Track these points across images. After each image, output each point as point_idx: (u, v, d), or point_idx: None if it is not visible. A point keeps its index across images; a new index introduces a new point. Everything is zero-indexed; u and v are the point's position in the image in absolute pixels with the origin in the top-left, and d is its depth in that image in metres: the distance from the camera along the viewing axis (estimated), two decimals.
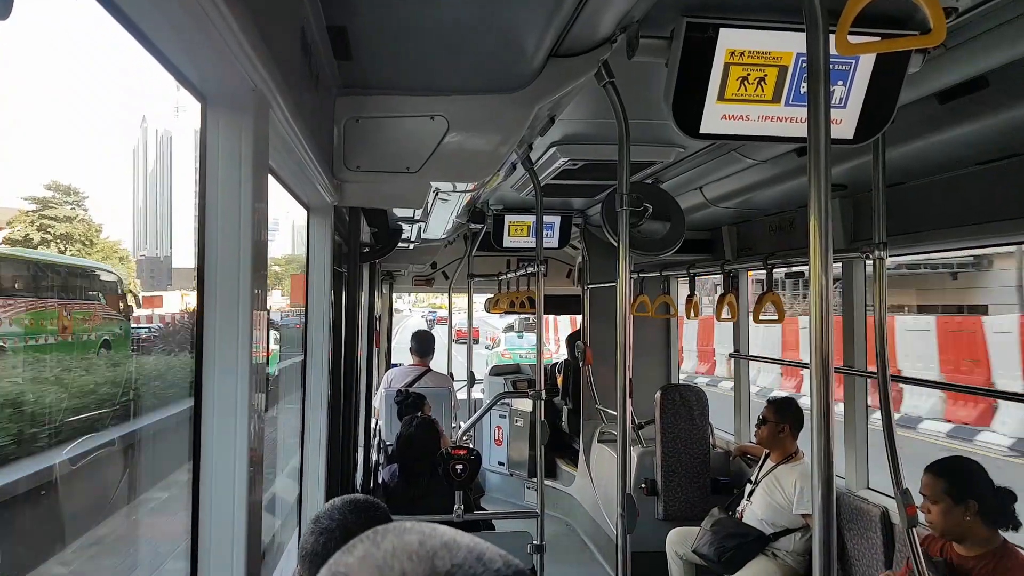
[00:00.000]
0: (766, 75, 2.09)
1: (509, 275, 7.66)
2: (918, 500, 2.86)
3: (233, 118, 1.23)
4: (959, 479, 2.81)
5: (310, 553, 1.66)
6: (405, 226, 4.16)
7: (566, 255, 7.42)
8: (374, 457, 5.56)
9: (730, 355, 5.64)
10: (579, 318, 7.23)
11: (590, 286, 6.72)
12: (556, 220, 6.00)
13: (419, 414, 4.34)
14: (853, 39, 1.38)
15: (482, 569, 0.53)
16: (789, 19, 1.97)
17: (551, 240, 6.05)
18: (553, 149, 3.64)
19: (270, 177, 1.94)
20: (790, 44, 2.03)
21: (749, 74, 2.08)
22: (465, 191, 2.90)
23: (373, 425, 6.18)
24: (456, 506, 3.66)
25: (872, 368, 3.99)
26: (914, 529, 2.77)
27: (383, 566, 0.53)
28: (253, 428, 1.27)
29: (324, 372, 2.66)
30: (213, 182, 1.23)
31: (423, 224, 4.25)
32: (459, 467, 3.55)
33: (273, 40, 1.32)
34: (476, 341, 33.14)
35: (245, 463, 1.25)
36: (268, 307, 1.40)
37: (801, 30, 1.48)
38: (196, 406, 1.25)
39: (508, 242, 5.92)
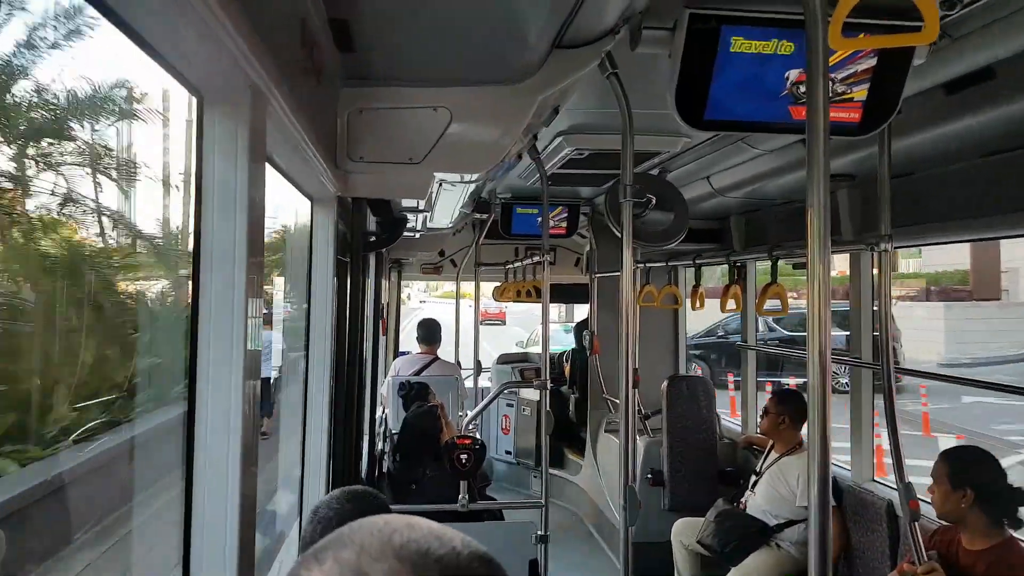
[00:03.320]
0: (770, 65, 2.08)
1: (516, 264, 7.66)
2: (921, 494, 2.87)
3: (230, 113, 1.24)
4: (960, 466, 2.83)
5: (309, 543, 1.69)
6: (410, 216, 4.17)
7: (574, 243, 7.42)
8: (380, 446, 5.59)
9: (737, 345, 5.63)
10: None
11: (598, 275, 6.72)
12: (564, 209, 6.00)
13: (425, 403, 4.35)
14: (850, 32, 1.38)
15: (438, 545, 0.56)
16: (790, 9, 1.96)
17: (559, 229, 6.05)
18: (559, 139, 3.63)
19: (271, 168, 1.95)
20: (792, 35, 2.02)
21: (753, 65, 2.08)
22: (469, 181, 2.90)
23: (379, 414, 6.21)
24: (460, 495, 3.68)
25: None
26: (916, 523, 2.78)
27: (345, 539, 0.57)
28: (248, 416, 1.28)
29: (326, 361, 2.68)
30: (209, 175, 1.24)
31: (428, 214, 4.25)
32: (463, 457, 3.57)
33: (271, 35, 1.32)
34: (503, 323, 32.48)
35: (239, 452, 1.26)
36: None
37: (802, 22, 1.47)
38: (190, 396, 1.27)
39: (516, 230, 5.93)
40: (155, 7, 0.94)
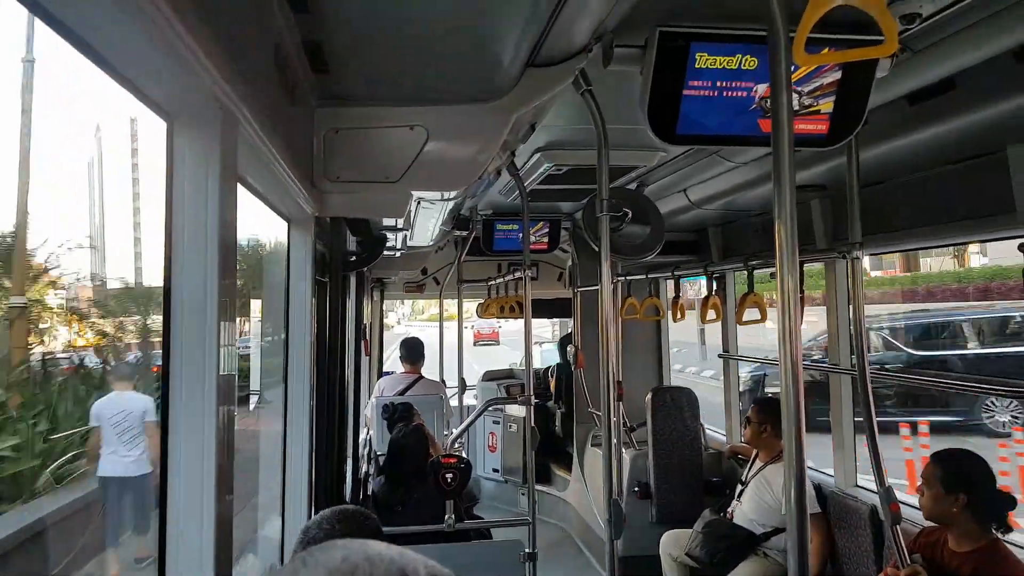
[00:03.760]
0: (737, 80, 2.12)
1: (499, 280, 7.68)
2: (901, 497, 2.90)
3: (200, 136, 1.24)
4: (955, 470, 2.85)
5: None
6: (390, 234, 4.17)
7: (557, 259, 7.45)
8: (364, 468, 5.54)
9: (719, 355, 5.66)
10: None
11: (580, 289, 6.75)
12: (545, 224, 6.03)
13: (408, 423, 4.33)
14: (814, 46, 1.41)
15: None
16: (757, 27, 2.00)
17: (540, 244, 6.08)
18: (537, 155, 3.67)
19: (246, 190, 1.96)
20: (758, 50, 2.06)
21: (721, 80, 2.12)
22: (447, 199, 2.91)
23: (363, 435, 6.16)
24: (447, 515, 3.65)
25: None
26: (898, 526, 2.80)
27: None
28: (222, 441, 1.27)
29: (306, 383, 2.66)
30: (179, 197, 1.24)
31: (408, 232, 4.26)
32: (449, 476, 3.54)
33: (243, 57, 1.33)
34: (497, 343, 32.02)
35: (213, 479, 1.25)
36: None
37: (765, 39, 1.50)
38: (163, 421, 1.26)
39: (498, 247, 5.95)
40: (120, 28, 0.94)
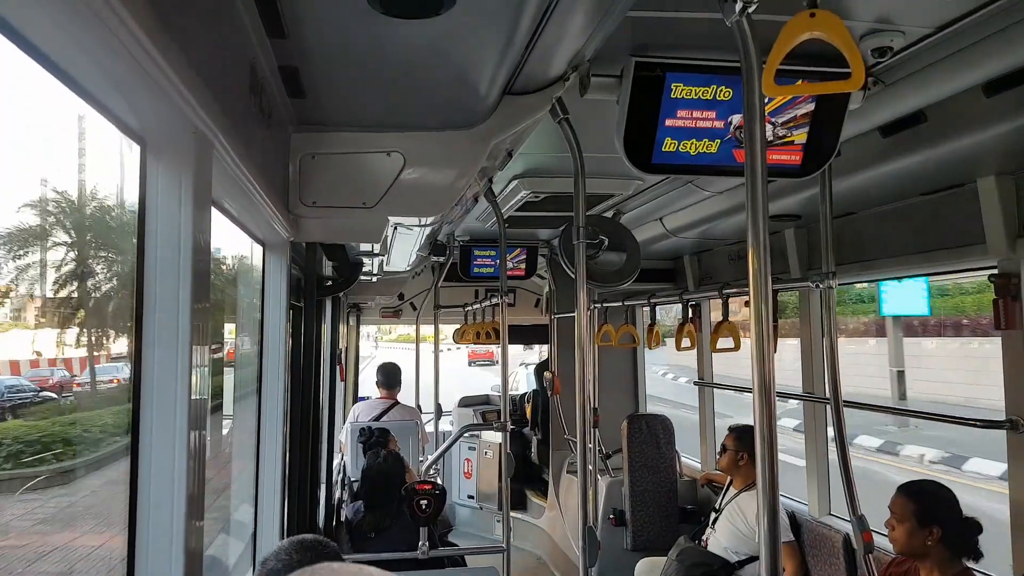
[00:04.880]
0: (712, 111, 2.15)
1: (475, 306, 7.68)
2: (874, 526, 2.90)
3: (174, 161, 1.23)
4: (928, 503, 2.83)
5: None
6: (366, 259, 4.16)
7: (534, 285, 7.46)
8: (337, 494, 5.47)
9: (694, 383, 5.68)
10: None
11: (557, 316, 6.76)
12: (523, 251, 6.04)
13: (383, 450, 4.30)
14: (788, 78, 1.44)
15: None
16: (731, 58, 2.03)
17: (518, 271, 6.09)
18: (515, 182, 3.68)
19: (222, 214, 1.94)
20: (732, 81, 2.09)
21: (696, 110, 2.15)
22: (424, 225, 2.91)
23: (337, 461, 6.09)
24: (421, 542, 3.61)
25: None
26: (870, 555, 2.80)
27: None
28: (192, 467, 1.25)
29: (279, 408, 2.63)
30: (152, 221, 1.23)
31: (384, 258, 4.25)
32: (424, 502, 3.52)
33: (218, 82, 1.32)
34: (493, 363, 31.40)
35: (183, 506, 1.22)
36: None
37: (739, 70, 1.53)
38: (133, 448, 1.23)
39: (475, 272, 5.95)
40: (93, 52, 0.93)
